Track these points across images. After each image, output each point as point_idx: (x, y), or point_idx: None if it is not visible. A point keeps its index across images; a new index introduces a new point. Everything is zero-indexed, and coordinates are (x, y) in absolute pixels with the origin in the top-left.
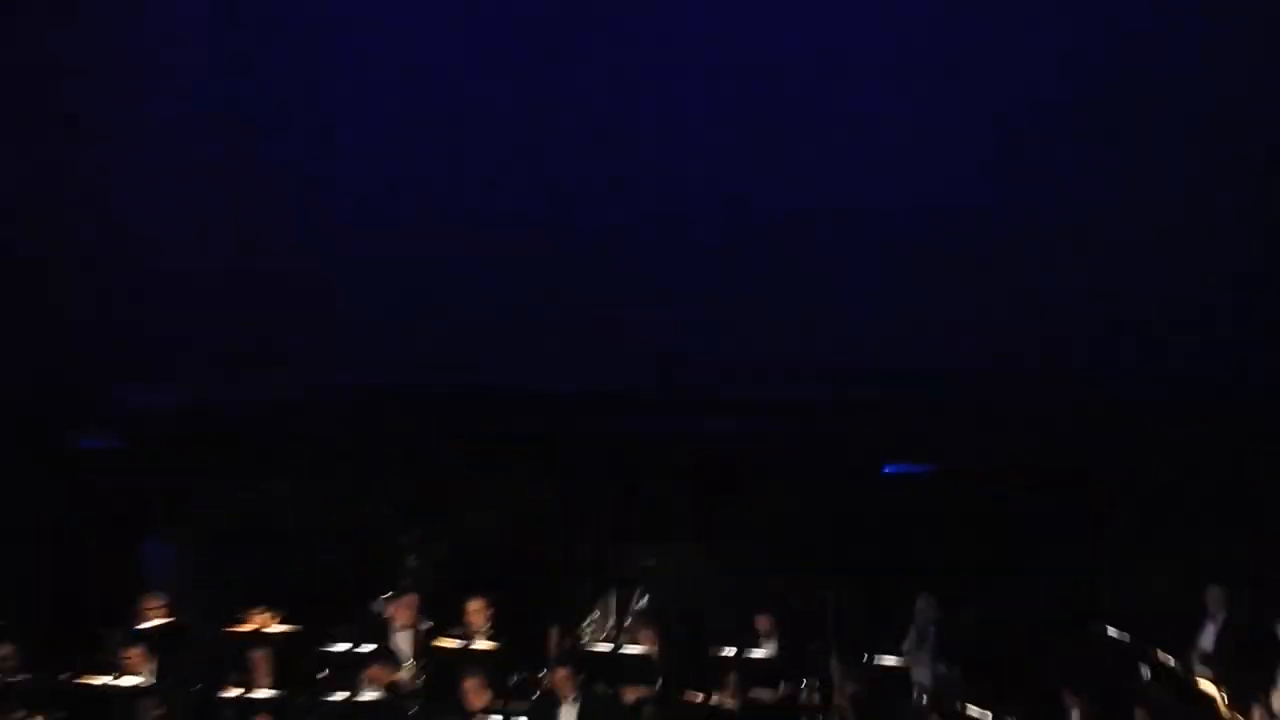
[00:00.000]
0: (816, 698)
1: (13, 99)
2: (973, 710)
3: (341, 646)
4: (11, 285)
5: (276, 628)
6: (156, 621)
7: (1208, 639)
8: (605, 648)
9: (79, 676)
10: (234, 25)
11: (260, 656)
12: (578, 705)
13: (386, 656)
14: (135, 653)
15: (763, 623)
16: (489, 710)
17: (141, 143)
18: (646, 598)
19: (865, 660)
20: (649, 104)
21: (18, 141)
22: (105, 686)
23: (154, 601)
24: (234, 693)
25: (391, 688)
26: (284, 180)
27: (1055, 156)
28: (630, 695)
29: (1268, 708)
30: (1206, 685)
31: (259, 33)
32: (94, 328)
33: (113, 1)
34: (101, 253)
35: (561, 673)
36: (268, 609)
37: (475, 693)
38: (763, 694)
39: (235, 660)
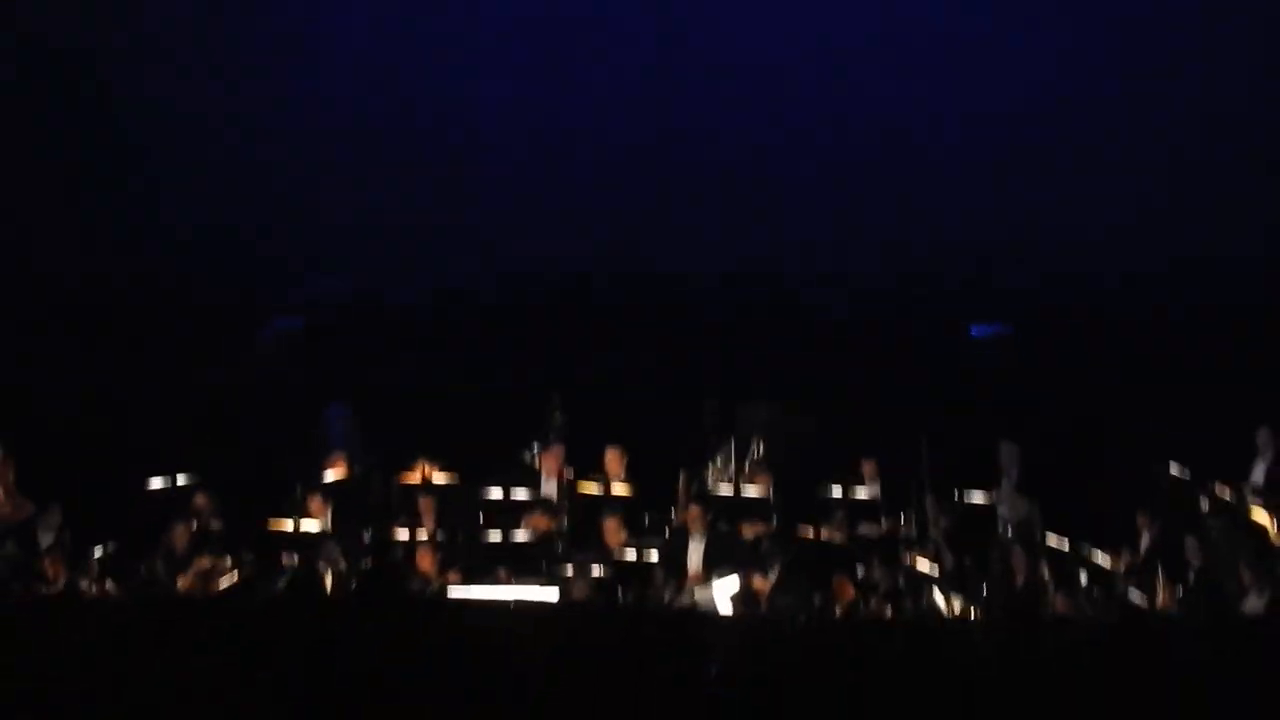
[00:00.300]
0: (914, 532)
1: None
2: (1051, 540)
3: (496, 493)
4: (206, 182)
5: (440, 477)
6: (335, 475)
7: (1259, 474)
8: (727, 491)
9: (267, 524)
10: None
11: (426, 503)
12: (704, 541)
13: (545, 505)
14: (316, 502)
15: (867, 467)
16: (625, 547)
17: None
18: (763, 446)
19: (956, 498)
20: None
21: (218, 58)
22: (290, 532)
23: (334, 458)
24: (402, 535)
25: (544, 532)
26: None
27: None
28: (749, 532)
29: None
30: (1260, 515)
31: None
32: (283, 221)
33: None
34: (277, 156)
35: (693, 511)
36: (432, 460)
37: (613, 532)
38: (867, 529)
39: (404, 507)
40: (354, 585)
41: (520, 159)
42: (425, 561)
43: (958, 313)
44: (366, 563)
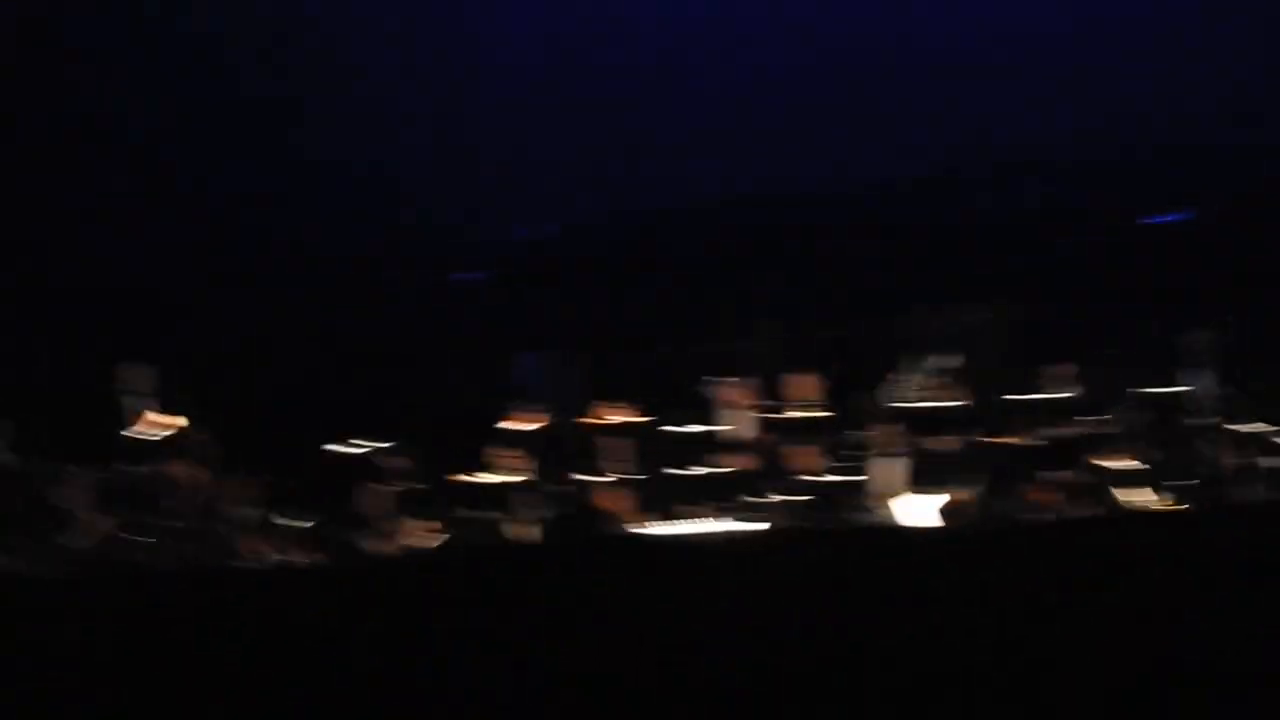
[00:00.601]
0: (1112, 429)
1: None
2: (1250, 427)
3: (692, 429)
4: (382, 133)
5: (630, 418)
6: (532, 425)
7: None
8: (925, 404)
9: (469, 477)
10: None
11: (620, 444)
12: (906, 457)
13: (742, 442)
14: (515, 454)
15: (1063, 370)
16: (823, 471)
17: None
18: (957, 357)
19: (1153, 392)
20: None
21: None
22: (489, 484)
23: (530, 409)
24: (598, 478)
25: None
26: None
27: None
28: (950, 444)
29: None
30: None
31: None
32: (464, 177)
33: None
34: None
35: (892, 430)
36: (626, 404)
37: (809, 458)
38: (1066, 430)
39: (599, 449)
40: (555, 531)
41: (721, 92)
42: (621, 501)
43: (1137, 204)
44: (567, 508)
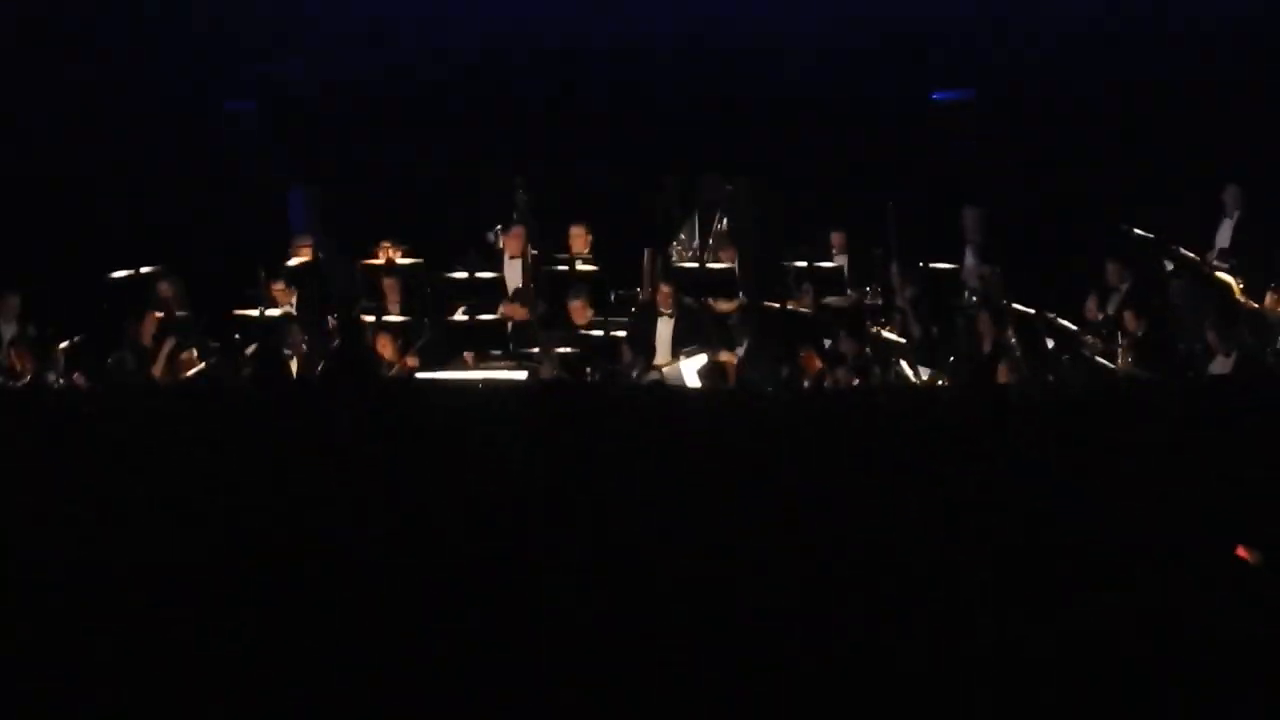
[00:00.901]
0: (880, 301)
1: None
2: (1018, 306)
3: (460, 274)
4: None
5: (403, 260)
6: (298, 260)
7: (1224, 235)
8: (692, 265)
9: (232, 310)
10: None
11: (390, 284)
12: (674, 318)
13: (520, 296)
14: (280, 287)
15: (836, 239)
16: (592, 326)
17: None
18: (727, 220)
19: (921, 266)
20: None
21: None
22: (255, 317)
23: (297, 243)
24: (367, 319)
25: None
26: None
27: None
28: (715, 308)
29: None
30: (1224, 276)
31: None
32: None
33: None
34: None
35: (663, 289)
36: (395, 242)
37: (579, 311)
38: (833, 300)
39: (368, 289)
40: (321, 369)
41: None
42: (386, 346)
43: (921, 79)
44: (333, 347)
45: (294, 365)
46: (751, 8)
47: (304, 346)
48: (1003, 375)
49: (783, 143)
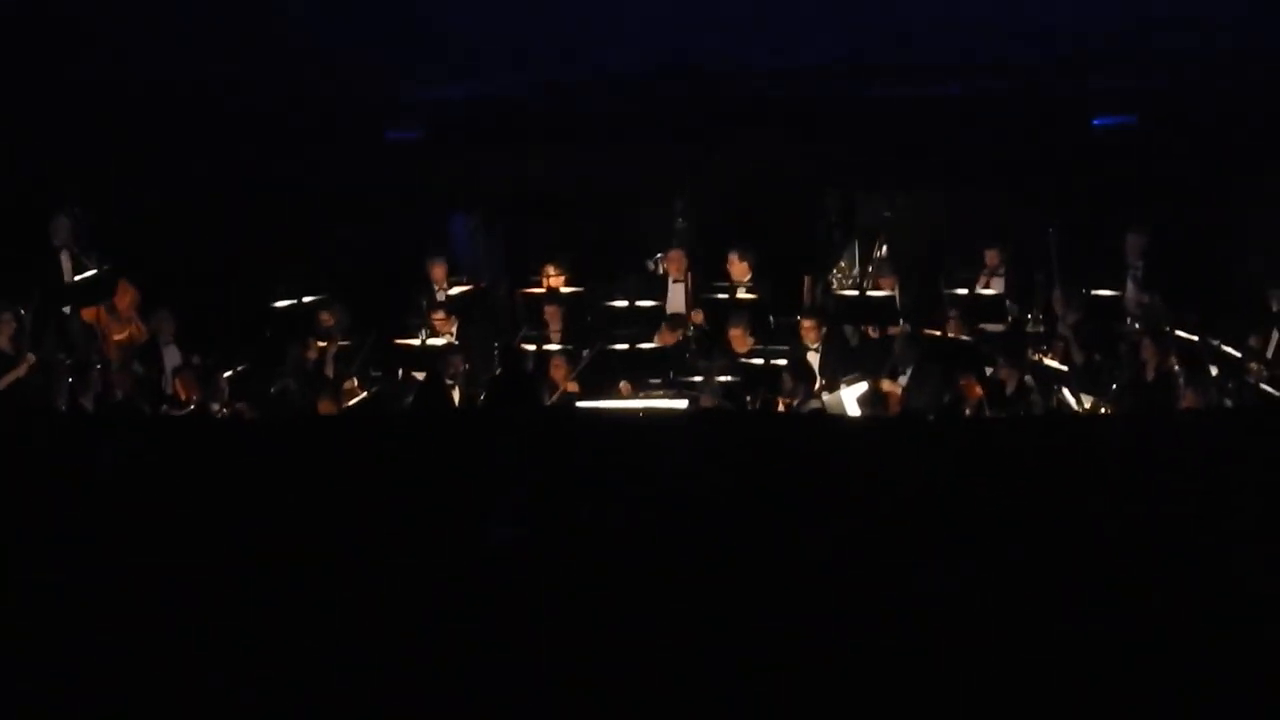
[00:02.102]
0: (1041, 328)
1: None
2: (1181, 333)
3: (622, 302)
4: None
5: (565, 287)
6: (460, 289)
7: None
8: (852, 293)
9: (394, 339)
10: None
11: (552, 312)
12: (820, 350)
13: (673, 317)
14: (441, 316)
15: (991, 257)
16: (753, 354)
17: None
18: (887, 245)
19: (1084, 291)
20: None
21: None
22: (418, 346)
23: (457, 271)
24: (529, 346)
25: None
26: None
27: None
28: (876, 334)
29: None
30: None
31: None
32: (396, 30)
33: None
34: None
35: (806, 323)
36: (558, 266)
37: (739, 339)
38: (994, 326)
39: (529, 318)
40: (484, 396)
41: None
42: (557, 371)
43: (1084, 101)
44: (495, 375)
45: (456, 394)
46: (913, 27)
47: (465, 374)
48: (1188, 401)
49: (944, 164)
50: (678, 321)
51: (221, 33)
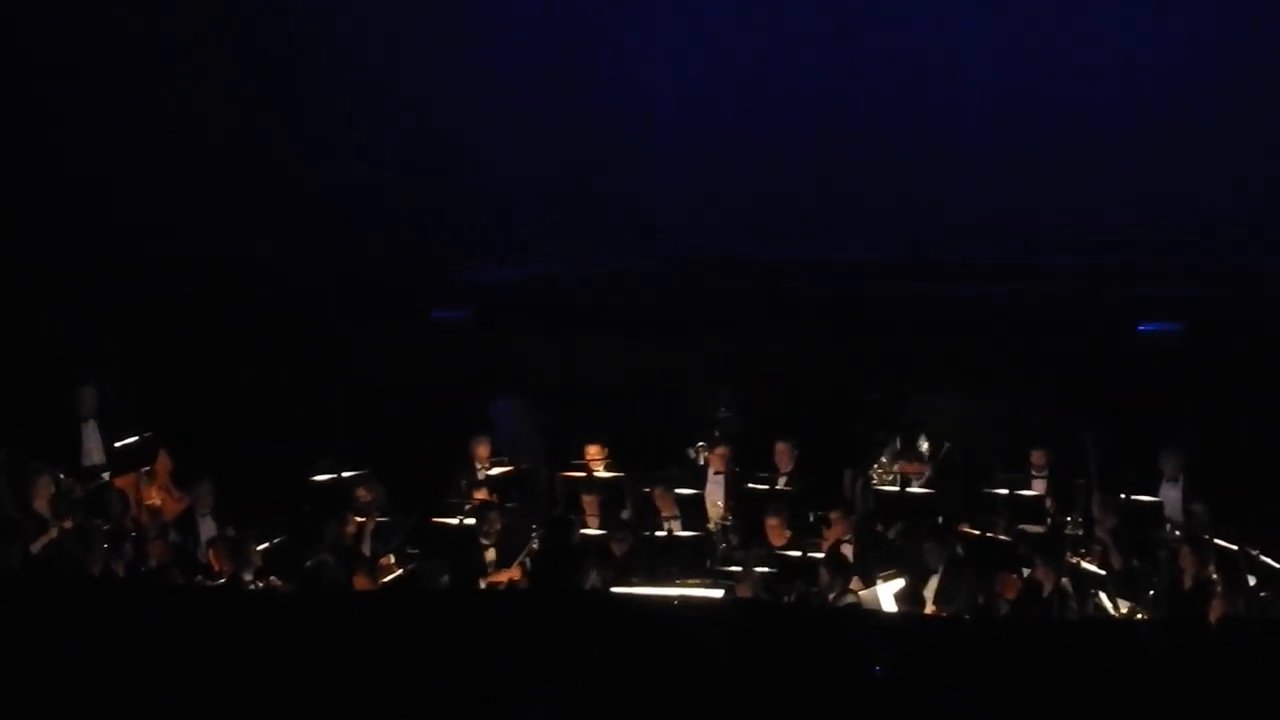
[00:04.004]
0: (1080, 531)
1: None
2: (1221, 542)
3: (661, 489)
4: (375, 177)
5: (603, 473)
6: (500, 469)
7: None
8: (893, 487)
9: (432, 518)
10: None
11: (589, 500)
12: (854, 544)
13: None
14: (482, 496)
15: (1037, 458)
16: (789, 547)
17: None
18: (928, 442)
19: (1123, 496)
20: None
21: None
22: (457, 526)
23: (499, 452)
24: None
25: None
26: (606, 78)
27: None
28: (913, 529)
29: None
30: None
31: None
32: (448, 214)
33: None
34: (453, 155)
35: (834, 516)
36: (601, 445)
37: (776, 532)
38: (1032, 527)
39: (568, 502)
40: (533, 576)
41: (688, 145)
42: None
43: (1129, 308)
44: (532, 557)
45: (490, 554)
46: (962, 229)
47: (500, 532)
48: (1215, 610)
49: (988, 364)
50: (712, 505)
51: (273, 209)
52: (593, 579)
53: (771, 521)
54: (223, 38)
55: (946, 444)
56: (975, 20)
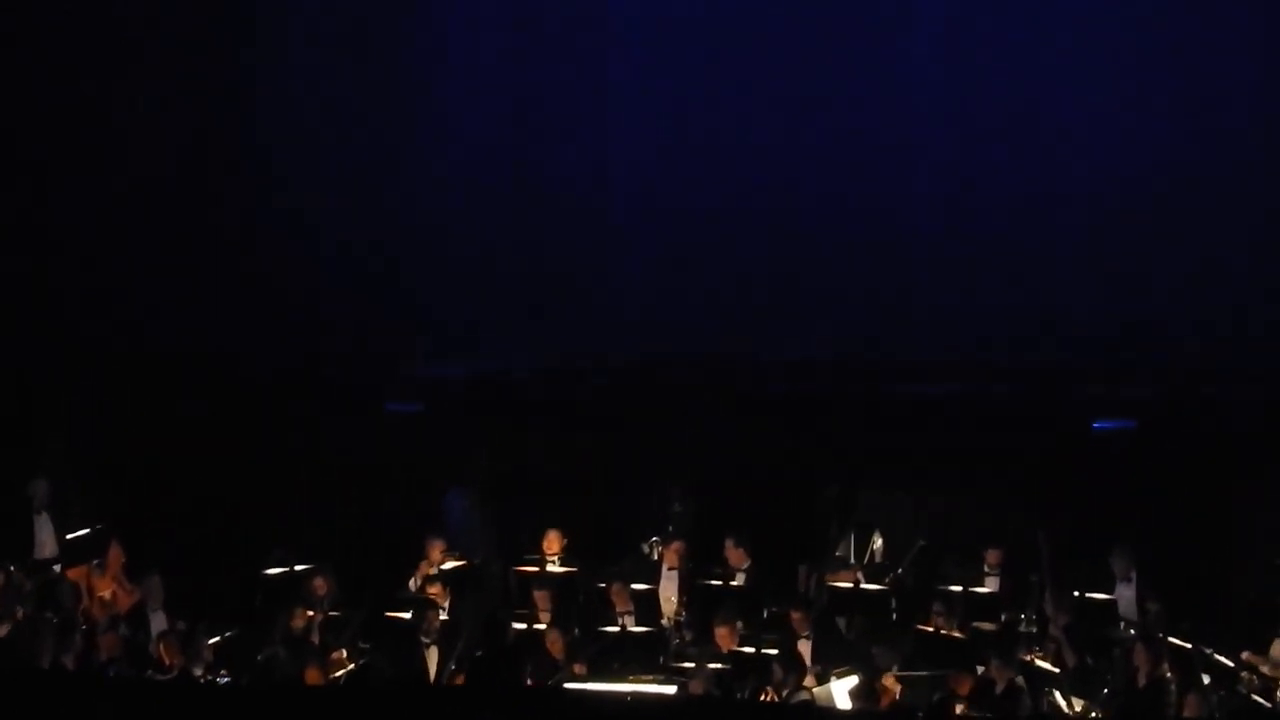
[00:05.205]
0: (1034, 629)
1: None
2: (1175, 640)
3: (615, 585)
4: (329, 270)
5: (557, 568)
6: (452, 564)
7: None
8: (847, 584)
9: (384, 612)
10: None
11: (541, 595)
12: (810, 640)
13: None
14: (435, 590)
15: (992, 557)
16: (744, 641)
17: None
18: (882, 539)
19: (1077, 595)
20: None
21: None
22: (409, 620)
23: (451, 546)
24: (519, 626)
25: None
26: (559, 173)
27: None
28: (868, 626)
29: None
30: None
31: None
32: (402, 307)
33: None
34: (405, 249)
35: (795, 615)
36: (561, 534)
37: (726, 640)
38: (986, 624)
39: (521, 597)
40: (470, 675)
41: (641, 241)
42: (556, 643)
43: (1083, 406)
44: (483, 652)
45: (434, 653)
46: (919, 327)
47: (448, 641)
48: (1189, 708)
49: (943, 461)
50: (665, 601)
51: (232, 303)
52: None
53: (721, 631)
54: (179, 134)
55: (880, 540)
56: (927, 125)
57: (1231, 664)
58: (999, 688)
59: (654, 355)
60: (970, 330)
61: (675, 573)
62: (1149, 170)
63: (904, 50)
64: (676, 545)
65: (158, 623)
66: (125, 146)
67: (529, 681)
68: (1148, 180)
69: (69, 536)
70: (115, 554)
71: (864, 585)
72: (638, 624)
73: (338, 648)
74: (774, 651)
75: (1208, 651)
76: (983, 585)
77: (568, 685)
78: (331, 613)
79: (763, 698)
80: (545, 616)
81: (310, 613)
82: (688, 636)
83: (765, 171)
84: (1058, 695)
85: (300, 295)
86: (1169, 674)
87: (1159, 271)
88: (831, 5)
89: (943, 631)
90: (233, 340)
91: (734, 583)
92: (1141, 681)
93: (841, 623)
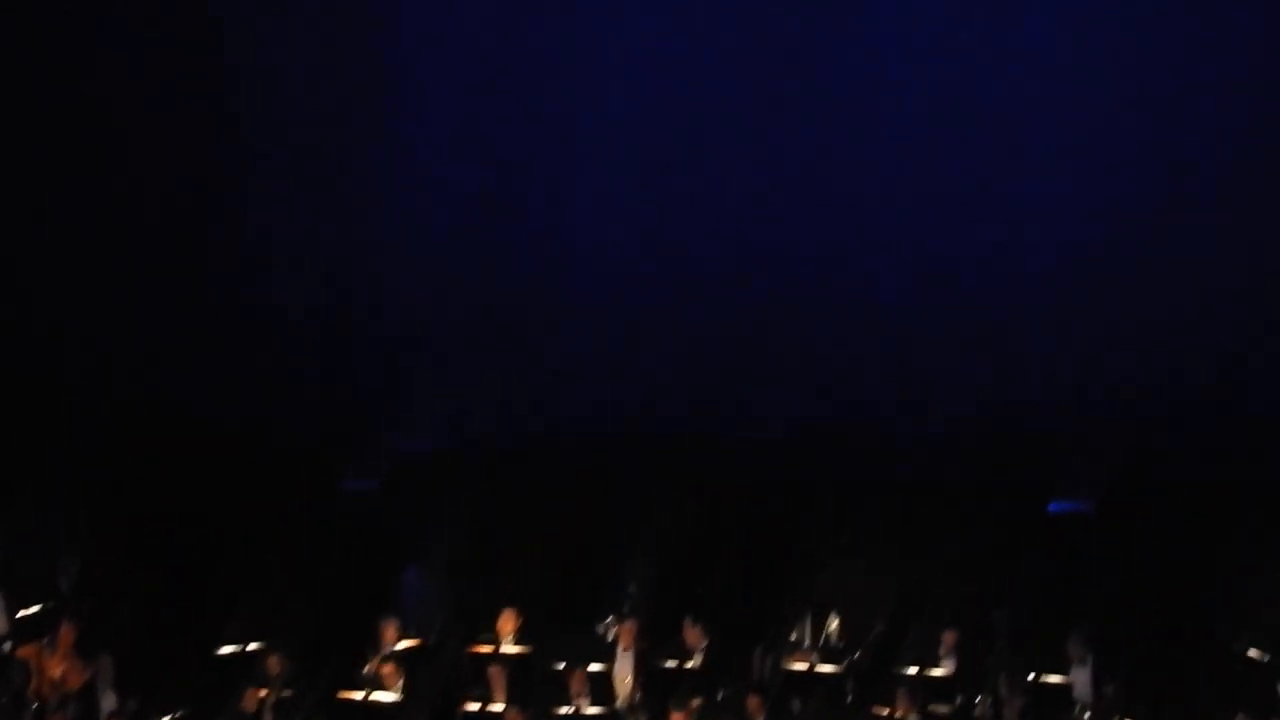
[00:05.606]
0: (990, 711)
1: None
2: None
3: (571, 666)
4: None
5: (511, 647)
6: (407, 643)
7: None
8: (801, 666)
9: (339, 691)
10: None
11: (495, 673)
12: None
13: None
14: (389, 670)
15: (948, 638)
16: None
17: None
18: (838, 620)
19: (1032, 677)
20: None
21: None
22: (363, 701)
23: (406, 625)
24: (473, 706)
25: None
26: (520, 244)
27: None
28: (823, 707)
29: None
30: None
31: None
32: (360, 384)
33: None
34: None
35: (751, 700)
36: (517, 614)
37: (685, 709)
38: (940, 708)
39: (475, 677)
40: None
41: (598, 320)
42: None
43: (1039, 488)
44: None
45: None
46: (874, 406)
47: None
48: None
49: (899, 542)
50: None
51: (191, 368)
52: None
53: (676, 716)
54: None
55: (836, 621)
56: (894, 213)
57: None
58: None
59: (611, 435)
60: (928, 409)
61: (630, 653)
62: (1113, 250)
63: (872, 114)
64: (631, 625)
65: (108, 702)
66: (89, 212)
67: None
68: (1112, 261)
69: (19, 614)
70: (67, 631)
71: (819, 668)
72: (593, 704)
73: None
74: None
75: None
76: (939, 667)
77: None
78: (285, 692)
79: None
80: (500, 696)
81: (263, 692)
82: (643, 718)
83: (727, 249)
84: None
85: (256, 369)
86: None
87: (1111, 350)
88: (797, 71)
89: (898, 715)
90: (192, 417)
91: (690, 664)
92: None
93: (796, 705)
